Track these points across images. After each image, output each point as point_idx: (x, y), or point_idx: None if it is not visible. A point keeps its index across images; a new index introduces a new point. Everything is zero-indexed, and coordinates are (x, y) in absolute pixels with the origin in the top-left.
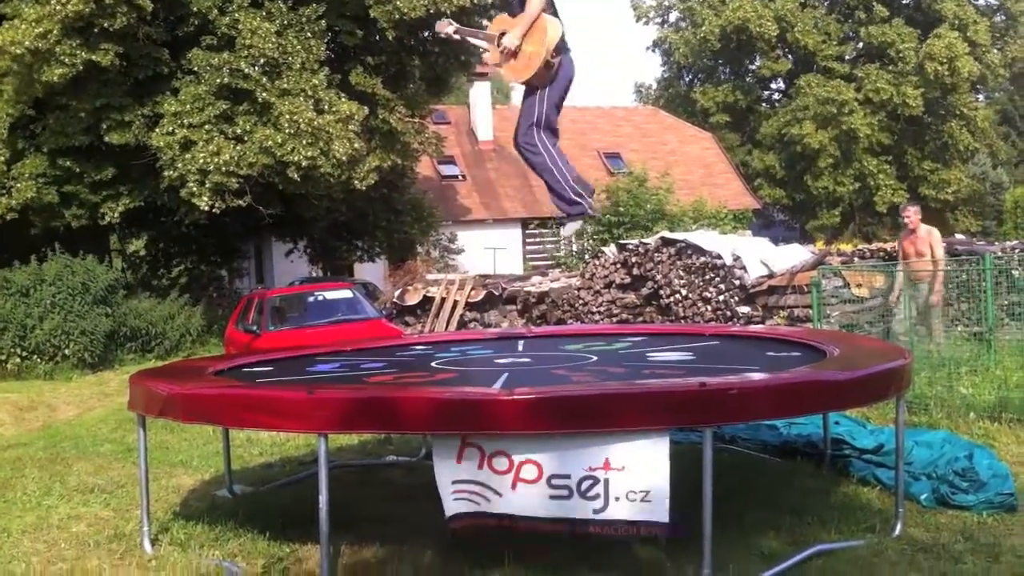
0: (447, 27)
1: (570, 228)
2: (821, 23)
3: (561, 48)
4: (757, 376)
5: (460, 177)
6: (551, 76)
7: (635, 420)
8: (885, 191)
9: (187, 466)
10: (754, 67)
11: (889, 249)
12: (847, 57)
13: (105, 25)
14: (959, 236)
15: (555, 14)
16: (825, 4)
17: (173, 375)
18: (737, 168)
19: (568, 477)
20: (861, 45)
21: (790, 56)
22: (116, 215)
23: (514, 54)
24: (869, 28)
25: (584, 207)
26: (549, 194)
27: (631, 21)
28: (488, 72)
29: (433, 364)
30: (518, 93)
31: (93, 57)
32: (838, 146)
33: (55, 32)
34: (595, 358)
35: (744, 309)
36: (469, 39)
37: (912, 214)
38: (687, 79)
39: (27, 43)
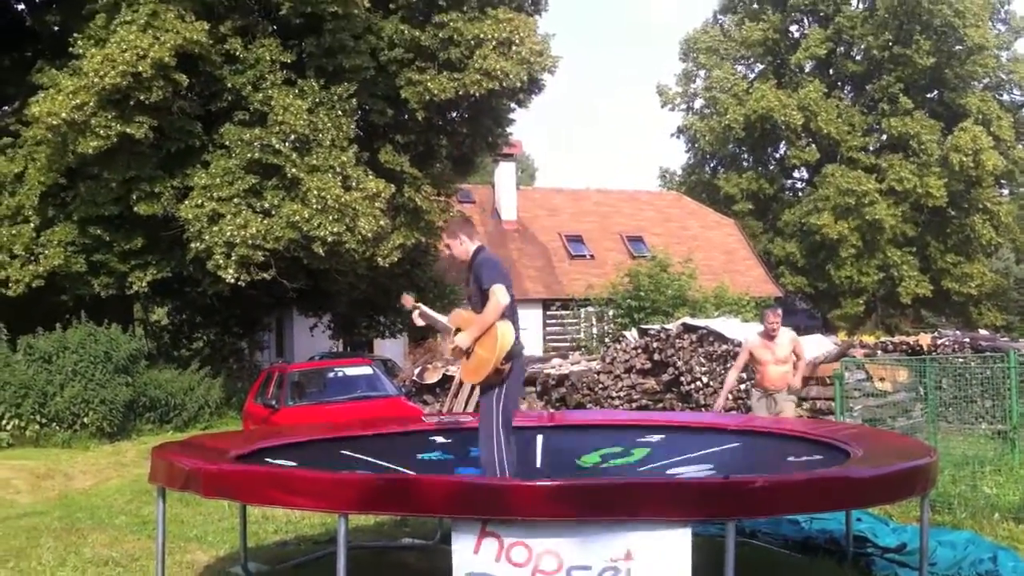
0: (409, 303)
1: None
2: (845, 114)
3: (513, 354)
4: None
5: None
6: (502, 380)
7: (657, 511)
8: (909, 282)
9: (202, 541)
10: (779, 155)
11: (912, 343)
12: (871, 148)
13: (141, 98)
14: (983, 332)
15: (513, 317)
16: (849, 96)
17: (194, 449)
18: (759, 255)
19: (588, 568)
20: (885, 137)
21: (813, 145)
22: (144, 284)
23: (466, 354)
24: (892, 120)
25: None
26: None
27: (657, 107)
28: (514, 153)
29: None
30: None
31: (127, 129)
32: (860, 236)
33: (91, 104)
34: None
35: None
36: (428, 320)
37: (777, 319)
38: (711, 165)
39: (64, 114)
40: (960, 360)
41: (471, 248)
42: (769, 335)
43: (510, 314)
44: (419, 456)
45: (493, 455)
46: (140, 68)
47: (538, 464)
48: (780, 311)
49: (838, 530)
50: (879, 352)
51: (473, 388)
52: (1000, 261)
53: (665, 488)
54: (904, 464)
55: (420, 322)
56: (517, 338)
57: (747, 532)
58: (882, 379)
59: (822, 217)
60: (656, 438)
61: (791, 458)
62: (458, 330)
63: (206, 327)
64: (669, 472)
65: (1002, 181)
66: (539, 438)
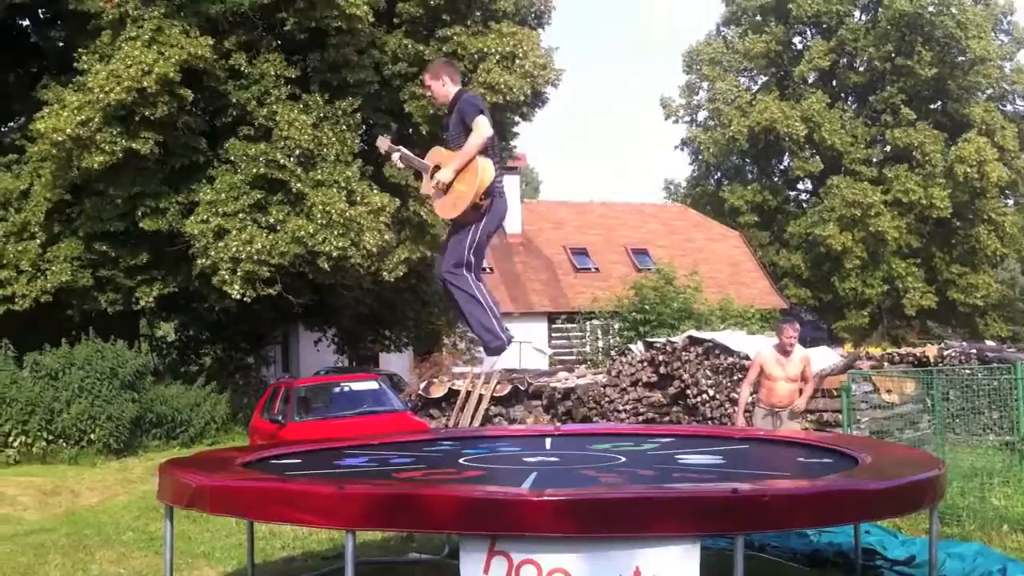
0: (384, 145)
1: (489, 362)
2: (848, 125)
3: (492, 191)
4: (790, 484)
5: (488, 270)
6: (479, 216)
7: (666, 526)
8: (914, 294)
9: (209, 558)
10: (783, 167)
11: (918, 354)
12: (874, 160)
13: (146, 114)
14: (989, 342)
15: (493, 156)
16: (852, 107)
17: (202, 466)
18: (764, 267)
19: None
20: (888, 148)
21: (817, 157)
22: (150, 300)
23: (445, 190)
24: (896, 131)
25: (506, 343)
26: (473, 328)
27: (660, 119)
28: (519, 166)
29: (461, 461)
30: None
31: (133, 145)
32: (865, 248)
33: (96, 120)
34: (623, 459)
35: None
36: (406, 162)
37: (795, 334)
38: (716, 177)
39: (68, 130)
40: (967, 371)
41: (452, 90)
42: (784, 350)
43: (492, 153)
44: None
45: (473, 296)
46: (145, 84)
47: (548, 446)
48: (799, 325)
49: (847, 543)
50: (885, 364)
51: (479, 403)
52: (1005, 271)
53: (674, 502)
54: (912, 477)
55: (400, 164)
56: (498, 177)
57: (756, 546)
58: (889, 391)
59: (827, 228)
60: (668, 440)
61: (800, 459)
62: (437, 167)
63: (212, 343)
64: (679, 459)
65: (1006, 192)
66: (547, 440)
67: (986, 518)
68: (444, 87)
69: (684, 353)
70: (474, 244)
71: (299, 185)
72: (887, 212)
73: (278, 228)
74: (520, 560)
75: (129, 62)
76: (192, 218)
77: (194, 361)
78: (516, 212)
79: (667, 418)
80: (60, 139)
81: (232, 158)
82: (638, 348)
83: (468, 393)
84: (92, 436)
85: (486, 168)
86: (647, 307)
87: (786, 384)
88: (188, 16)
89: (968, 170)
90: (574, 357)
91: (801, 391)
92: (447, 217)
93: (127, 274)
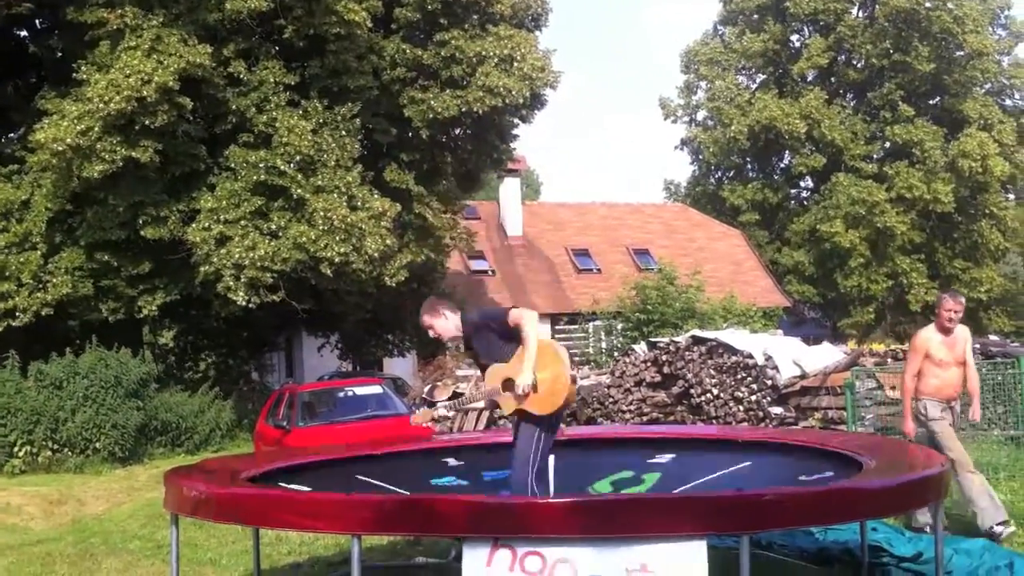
0: (426, 418)
1: None
2: (848, 122)
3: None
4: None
5: (489, 272)
6: (575, 391)
7: (672, 526)
8: (918, 289)
9: (216, 564)
10: (784, 164)
11: None
12: (875, 156)
13: (146, 123)
14: (993, 337)
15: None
16: (851, 104)
17: (207, 474)
18: (766, 266)
19: None
20: (888, 144)
21: (818, 153)
22: (153, 308)
23: (534, 389)
24: (895, 127)
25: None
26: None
27: (660, 119)
28: (519, 169)
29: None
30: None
31: (133, 154)
32: (869, 245)
33: (96, 129)
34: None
35: (777, 410)
36: (464, 408)
37: (959, 308)
38: (716, 176)
39: (68, 140)
40: None
41: (456, 320)
42: (945, 327)
43: (508, 339)
44: (432, 482)
45: (525, 478)
46: (145, 93)
47: (551, 491)
48: (963, 299)
49: (853, 540)
50: (889, 360)
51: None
52: (1008, 266)
53: (679, 503)
54: (916, 473)
55: (449, 413)
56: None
57: (762, 544)
58: (893, 387)
59: (834, 225)
60: (667, 458)
61: (803, 476)
62: (507, 380)
63: (213, 349)
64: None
65: (1007, 186)
66: (551, 458)
67: None
68: (447, 320)
69: (687, 353)
70: (543, 437)
71: (300, 191)
72: (892, 208)
73: (280, 234)
74: (524, 551)
75: (128, 71)
76: (194, 226)
77: (195, 368)
78: (517, 214)
79: (671, 417)
80: (60, 149)
81: (232, 165)
82: (641, 348)
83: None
84: (97, 445)
85: (554, 344)
86: (649, 307)
87: (957, 370)
88: (186, 24)
89: (972, 164)
90: (577, 358)
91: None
92: (553, 410)
93: (129, 283)
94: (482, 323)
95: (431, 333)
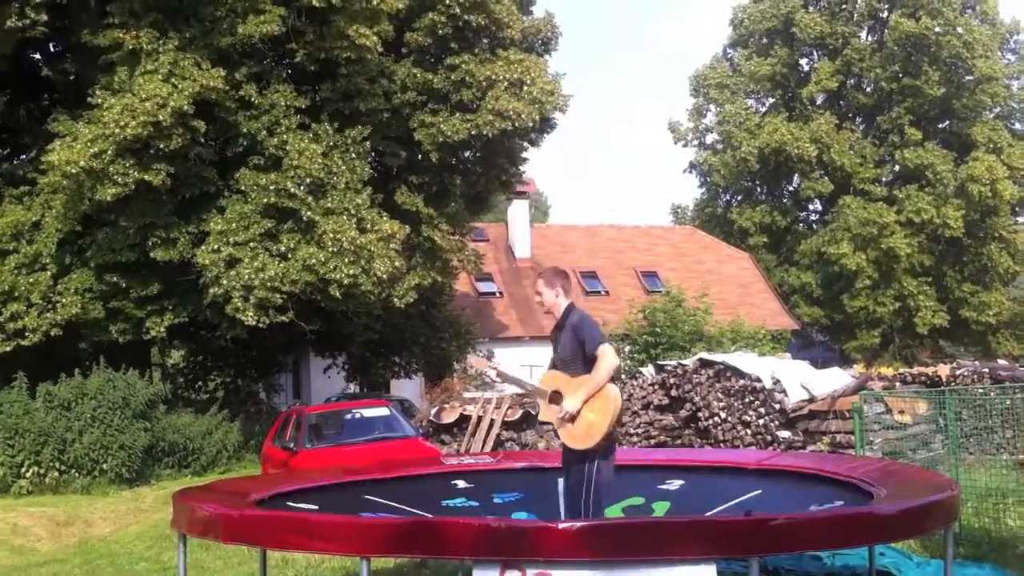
0: (482, 365)
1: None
2: (857, 146)
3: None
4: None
5: (497, 294)
6: (606, 447)
7: (682, 550)
8: (925, 312)
9: None
10: (792, 188)
11: (931, 374)
12: (884, 180)
13: (160, 146)
14: (1001, 361)
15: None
16: (860, 128)
17: (216, 495)
18: (774, 288)
19: None
20: (897, 168)
21: (826, 178)
22: (161, 330)
23: (572, 419)
24: (904, 151)
25: None
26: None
27: (669, 143)
28: (528, 191)
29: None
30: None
31: (145, 177)
32: (877, 267)
33: (109, 152)
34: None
35: (785, 434)
36: (507, 380)
37: None
38: (724, 199)
39: (82, 162)
40: (980, 390)
41: (563, 304)
42: None
43: (584, 360)
44: (443, 503)
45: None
46: (160, 117)
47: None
48: None
49: (861, 565)
50: (897, 384)
51: (491, 428)
52: (1017, 289)
53: (689, 527)
54: (925, 498)
55: (498, 380)
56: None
57: (770, 568)
58: (901, 411)
59: (841, 247)
60: (677, 484)
61: (814, 506)
62: (557, 392)
63: (221, 370)
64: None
65: (1016, 209)
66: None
67: (1001, 538)
68: (557, 298)
69: (695, 375)
70: (595, 483)
71: (309, 213)
72: (900, 231)
73: (289, 256)
74: (534, 573)
75: (144, 96)
76: (203, 247)
77: (203, 389)
78: (525, 236)
79: (679, 441)
80: (73, 171)
81: (243, 187)
82: (649, 371)
83: (479, 418)
84: (104, 466)
85: (617, 395)
86: (657, 330)
87: None
88: (200, 48)
89: (981, 189)
90: None
91: None
92: (578, 447)
93: (138, 304)
94: (577, 328)
95: (537, 299)
